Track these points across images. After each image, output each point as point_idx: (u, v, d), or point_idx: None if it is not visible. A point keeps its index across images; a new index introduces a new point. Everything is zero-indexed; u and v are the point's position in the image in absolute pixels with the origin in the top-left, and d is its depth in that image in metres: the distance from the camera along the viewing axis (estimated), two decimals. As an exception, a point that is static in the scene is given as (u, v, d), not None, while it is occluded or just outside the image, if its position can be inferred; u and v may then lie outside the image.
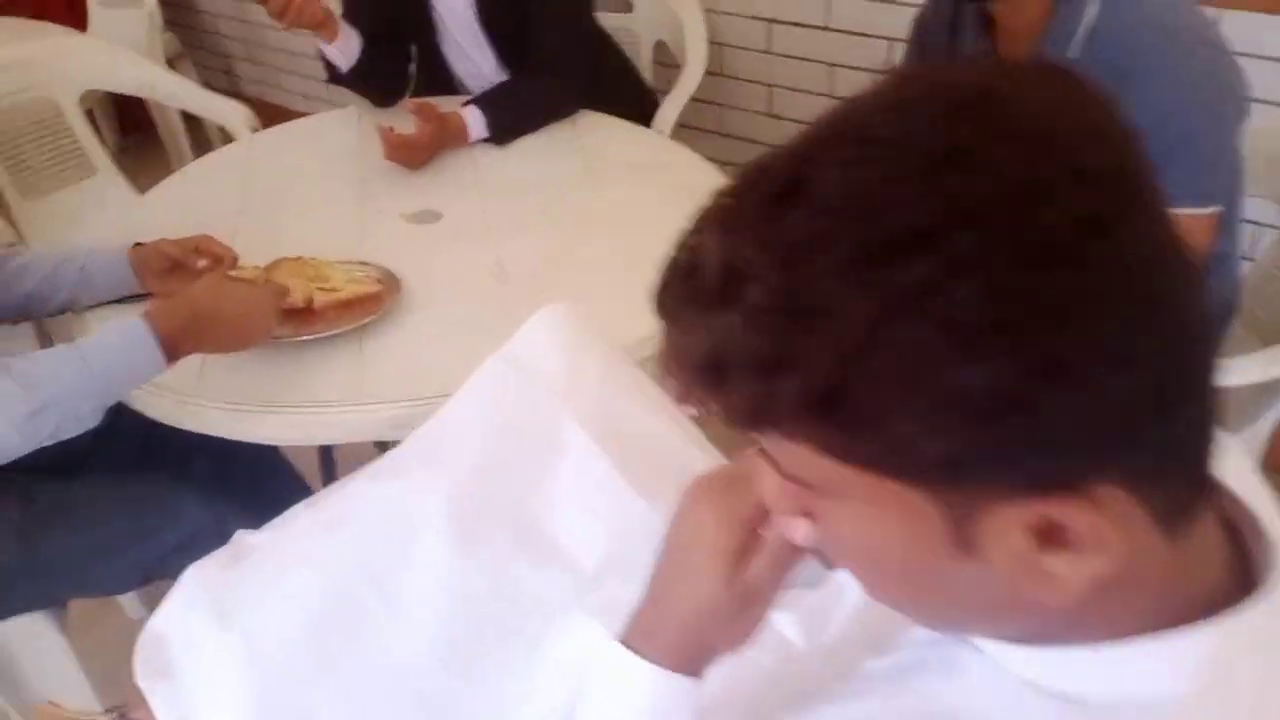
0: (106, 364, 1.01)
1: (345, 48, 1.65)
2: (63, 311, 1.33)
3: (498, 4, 1.73)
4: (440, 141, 1.62)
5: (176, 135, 3.02)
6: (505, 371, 0.98)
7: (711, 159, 1.66)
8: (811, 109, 2.15)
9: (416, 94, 1.85)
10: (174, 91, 2.03)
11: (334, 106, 3.24)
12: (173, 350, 1.04)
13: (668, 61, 2.22)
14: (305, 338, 1.18)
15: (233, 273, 1.24)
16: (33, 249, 1.36)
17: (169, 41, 3.09)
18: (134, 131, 3.12)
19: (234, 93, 3.47)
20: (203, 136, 3.13)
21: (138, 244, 1.32)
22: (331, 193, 1.58)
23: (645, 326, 1.25)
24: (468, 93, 1.90)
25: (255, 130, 2.00)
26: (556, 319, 1.01)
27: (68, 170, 2.11)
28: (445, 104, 1.73)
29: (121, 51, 2.07)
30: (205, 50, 3.48)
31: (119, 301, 1.32)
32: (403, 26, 1.76)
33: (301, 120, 1.83)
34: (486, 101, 1.67)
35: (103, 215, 2.07)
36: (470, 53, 1.82)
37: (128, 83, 2.07)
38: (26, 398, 0.96)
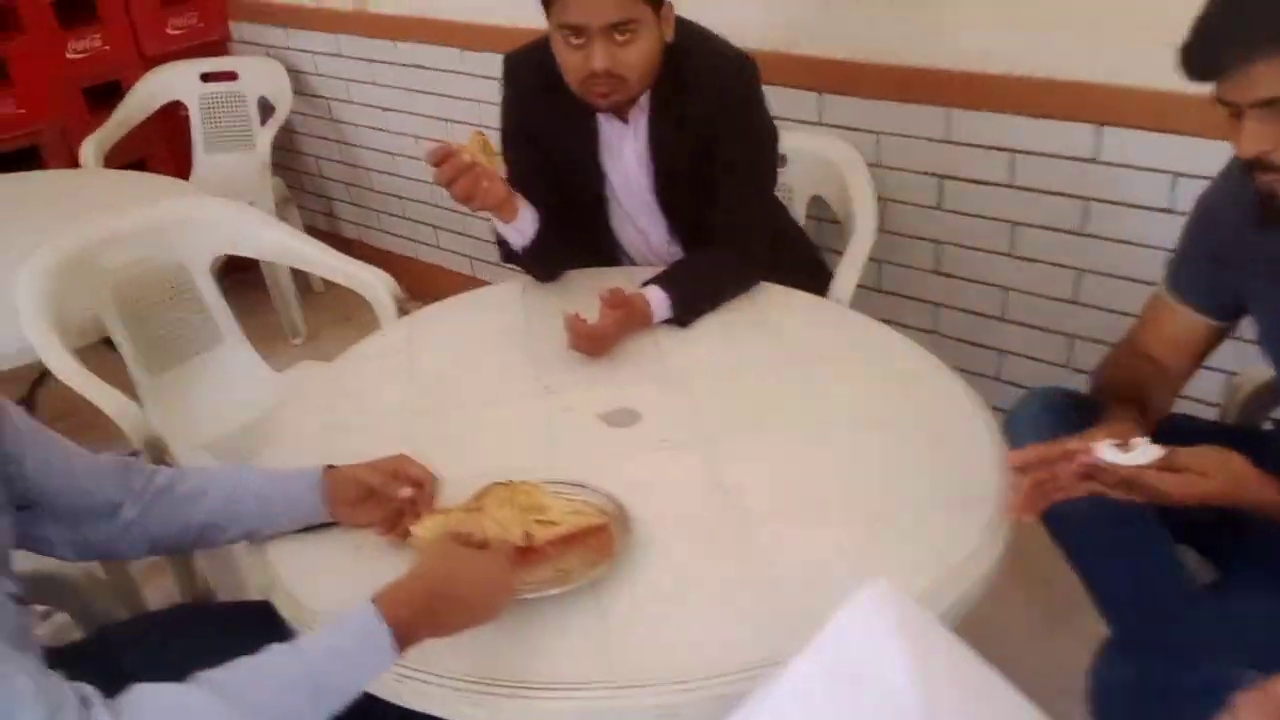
0: (336, 669, 0.84)
1: (522, 226, 1.53)
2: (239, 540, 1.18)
3: (677, 176, 1.61)
4: (627, 329, 1.48)
5: (281, 278, 2.94)
6: (825, 680, 0.78)
7: (868, 315, 1.54)
8: (985, 268, 2.02)
9: (577, 266, 1.72)
10: (314, 258, 1.91)
11: (439, 252, 3.18)
12: (406, 641, 0.88)
13: (823, 216, 2.09)
14: (533, 595, 1.01)
15: (450, 519, 1.07)
16: (201, 472, 1.20)
17: (276, 186, 3.04)
18: (234, 271, 3.02)
19: (333, 234, 3.41)
20: (303, 280, 3.05)
21: (329, 467, 1.17)
22: (509, 386, 1.43)
23: (925, 576, 1.07)
24: (630, 263, 1.78)
25: (398, 297, 1.88)
26: (881, 609, 0.82)
27: (193, 340, 2.00)
28: (610, 277, 1.62)
29: (257, 215, 1.97)
30: (306, 192, 3.43)
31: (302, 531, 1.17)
32: (576, 200, 1.64)
33: (460, 297, 1.70)
34: (669, 281, 1.53)
35: (236, 396, 1.95)
36: (640, 223, 1.70)
37: (267, 248, 1.97)
38: None
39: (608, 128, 1.61)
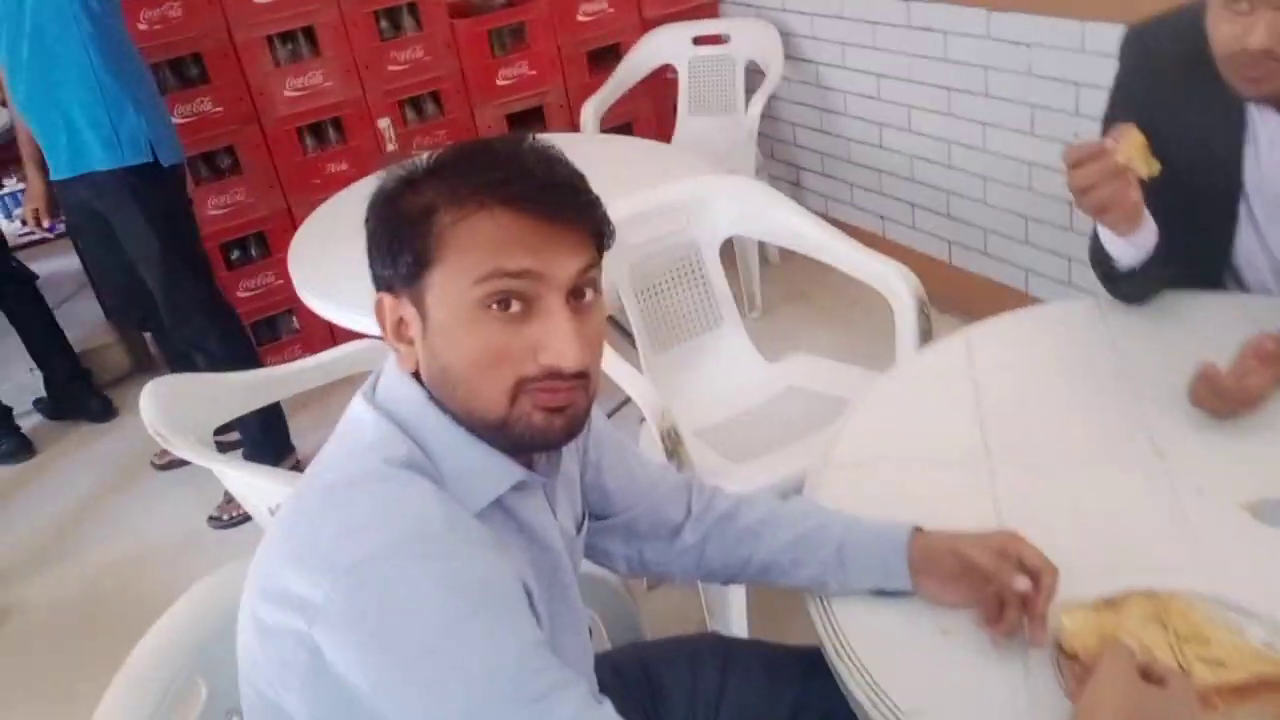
0: None
1: (1142, 240, 1.25)
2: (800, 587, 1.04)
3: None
4: (1275, 387, 1.15)
5: (749, 253, 2.88)
6: None
7: None
8: None
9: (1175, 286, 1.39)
10: (836, 250, 1.76)
11: (913, 232, 2.93)
12: None
13: None
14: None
15: (1103, 621, 0.86)
16: (765, 504, 1.08)
17: (755, 154, 2.96)
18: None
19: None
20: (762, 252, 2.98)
21: (917, 529, 0.99)
22: (1108, 443, 1.16)
23: None
24: (1239, 287, 1.42)
25: (918, 295, 1.67)
26: None
27: (693, 321, 1.95)
28: (1217, 305, 1.30)
29: (785, 200, 1.86)
30: (775, 160, 3.34)
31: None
32: (1195, 207, 1.31)
33: (1024, 313, 1.44)
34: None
35: (729, 383, 1.87)
36: (1275, 238, 1.33)
37: (783, 233, 1.86)
38: None
39: (1259, 121, 1.26)
